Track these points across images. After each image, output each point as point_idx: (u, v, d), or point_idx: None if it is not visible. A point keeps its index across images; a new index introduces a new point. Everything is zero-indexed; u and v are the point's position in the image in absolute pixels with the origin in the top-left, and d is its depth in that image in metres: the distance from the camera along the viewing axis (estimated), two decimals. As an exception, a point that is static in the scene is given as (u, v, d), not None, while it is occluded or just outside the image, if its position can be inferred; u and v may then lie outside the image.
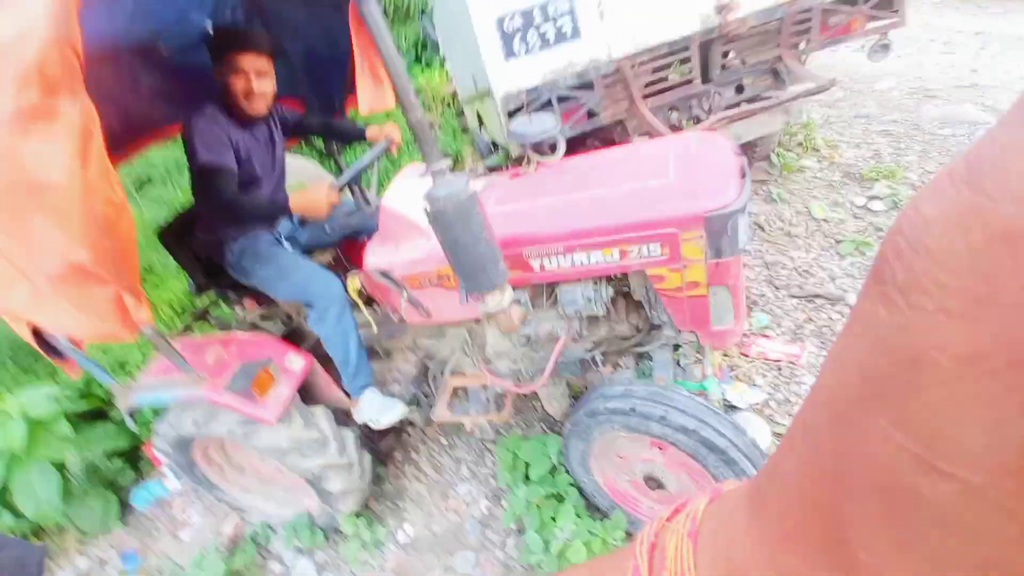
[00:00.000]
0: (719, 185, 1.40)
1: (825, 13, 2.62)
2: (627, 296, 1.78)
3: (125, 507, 2.84)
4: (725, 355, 2.44)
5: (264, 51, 1.78)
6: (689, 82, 2.74)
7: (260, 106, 1.85)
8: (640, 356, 1.91)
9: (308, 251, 2.26)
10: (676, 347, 1.82)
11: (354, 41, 1.63)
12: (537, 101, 2.54)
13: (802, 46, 2.78)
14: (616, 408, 1.49)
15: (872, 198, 3.26)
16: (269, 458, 1.90)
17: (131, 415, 2.04)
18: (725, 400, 2.15)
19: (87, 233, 1.19)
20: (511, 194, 1.77)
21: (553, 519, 1.71)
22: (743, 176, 1.49)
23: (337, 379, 2.03)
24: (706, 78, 2.81)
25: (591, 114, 2.73)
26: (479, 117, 3.75)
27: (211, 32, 1.99)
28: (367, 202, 2.01)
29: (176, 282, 3.87)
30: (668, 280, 1.49)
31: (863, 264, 2.77)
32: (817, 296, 2.65)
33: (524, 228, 1.55)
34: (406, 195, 1.74)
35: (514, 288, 1.63)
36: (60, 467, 2.57)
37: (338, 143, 2.47)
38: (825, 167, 3.79)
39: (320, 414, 1.94)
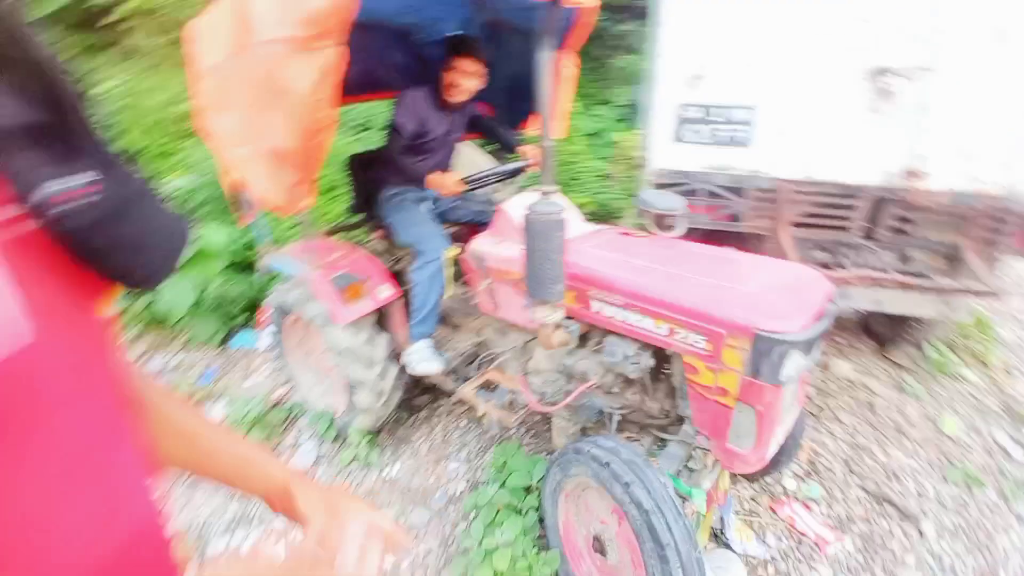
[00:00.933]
0: (787, 313, 1.44)
1: (1028, 224, 2.37)
2: (667, 380, 1.84)
3: (225, 340, 3.51)
4: (754, 499, 2.31)
5: (478, 58, 2.22)
6: (846, 230, 2.65)
7: (456, 98, 2.30)
8: (657, 441, 1.94)
9: (440, 219, 2.67)
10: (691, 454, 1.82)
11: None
12: (685, 186, 2.67)
13: (995, 246, 2.52)
14: (597, 456, 1.58)
15: (1018, 443, 2.79)
16: (330, 352, 2.28)
17: (263, 271, 2.61)
18: (721, 532, 2.06)
19: (298, 132, 1.64)
20: (610, 244, 1.95)
21: (501, 523, 1.82)
22: (818, 319, 1.50)
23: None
24: (869, 234, 2.68)
25: (734, 218, 2.78)
26: (641, 183, 3.95)
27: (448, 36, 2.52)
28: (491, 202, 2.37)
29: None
30: (701, 375, 1.55)
31: (962, 500, 2.40)
32: (890, 503, 2.36)
33: (598, 271, 1.72)
34: (521, 205, 2.02)
35: (569, 318, 1.81)
36: (202, 288, 3.30)
37: (501, 149, 2.87)
38: (986, 389, 3.30)
39: (381, 340, 2.28)
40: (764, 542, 2.09)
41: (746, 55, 2.49)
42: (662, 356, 1.80)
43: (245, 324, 3.66)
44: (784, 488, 2.37)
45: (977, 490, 2.45)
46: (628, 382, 1.88)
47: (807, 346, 1.49)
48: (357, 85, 2.48)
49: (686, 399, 1.68)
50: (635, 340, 1.71)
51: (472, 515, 2.01)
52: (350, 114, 5.46)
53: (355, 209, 2.80)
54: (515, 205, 2.03)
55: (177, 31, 5.70)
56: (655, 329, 1.60)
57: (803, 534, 2.14)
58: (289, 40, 1.47)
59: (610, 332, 1.78)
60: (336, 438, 2.52)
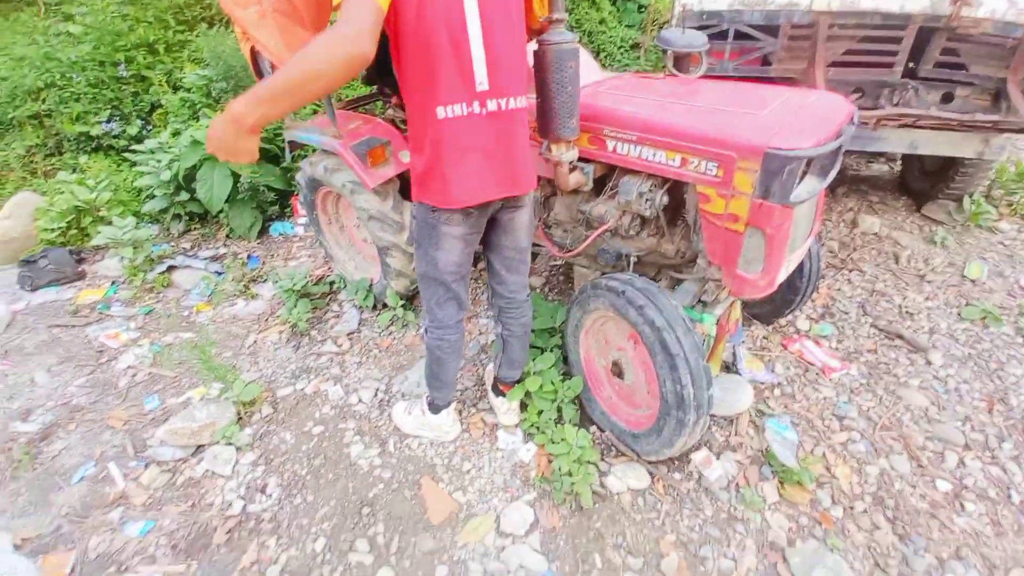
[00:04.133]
0: (799, 131, 1.44)
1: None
2: (683, 222, 1.90)
3: (264, 230, 3.71)
4: (766, 338, 2.45)
5: None
6: (890, 66, 2.48)
7: None
8: (674, 281, 2.05)
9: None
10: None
11: None
12: (715, 28, 2.51)
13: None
14: (612, 287, 1.70)
15: (1045, 283, 2.78)
16: (361, 221, 2.41)
17: (290, 149, 2.68)
18: (733, 365, 2.22)
19: None
20: (625, 85, 1.92)
21: (532, 359, 2.03)
22: (836, 136, 1.49)
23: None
24: (912, 73, 2.50)
25: (765, 62, 2.63)
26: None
27: None
28: None
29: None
30: (713, 203, 1.59)
31: (975, 335, 2.48)
32: (900, 337, 2.46)
33: (612, 109, 1.71)
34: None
35: (586, 160, 1.84)
36: (236, 178, 3.42)
37: None
38: (1020, 239, 3.23)
39: (408, 208, 2.38)
40: (772, 371, 2.26)
41: None
42: (678, 197, 1.84)
43: (280, 214, 3.83)
44: (797, 328, 2.49)
45: (994, 326, 2.52)
46: (644, 223, 1.94)
47: (820, 165, 1.50)
48: None
49: (700, 233, 1.74)
50: (650, 177, 1.74)
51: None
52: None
53: (367, 81, 2.78)
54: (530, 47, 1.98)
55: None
56: (668, 162, 1.62)
57: (811, 363, 2.29)
58: None
59: (626, 172, 1.81)
60: (374, 306, 2.74)
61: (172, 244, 3.67)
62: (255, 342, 2.73)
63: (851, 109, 1.61)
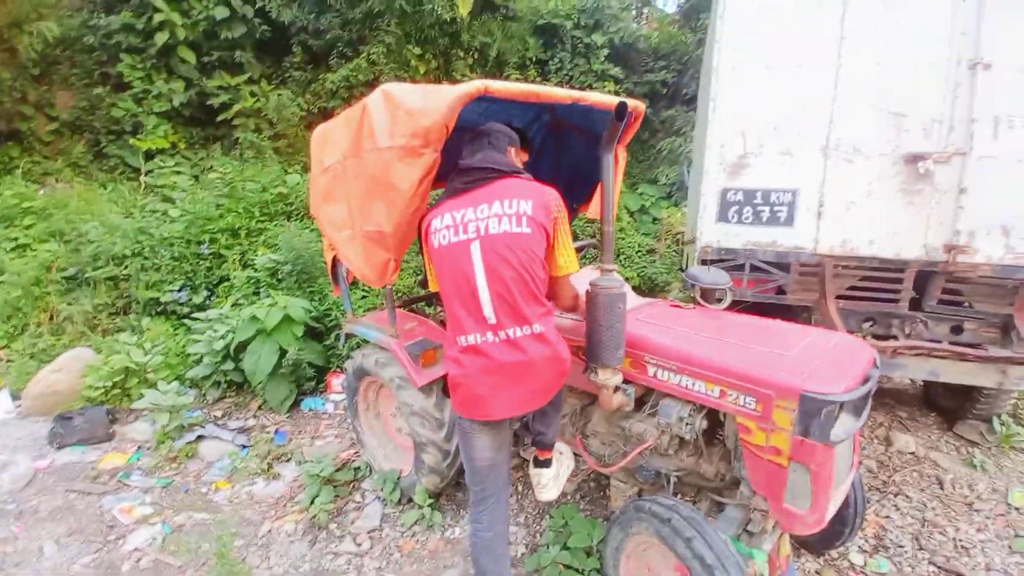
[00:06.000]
0: (830, 375, 1.56)
1: (1082, 295, 2.39)
2: (721, 444, 1.94)
3: (295, 404, 3.79)
4: (818, 573, 2.26)
5: (526, 148, 2.53)
6: (895, 301, 2.73)
7: None
8: (715, 504, 2.00)
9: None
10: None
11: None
12: (731, 262, 2.85)
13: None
14: (658, 512, 1.67)
15: (1104, 526, 2.61)
16: (402, 414, 2.49)
17: (345, 338, 2.91)
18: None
19: (396, 220, 1.95)
20: (661, 315, 2.14)
21: (566, 584, 1.89)
22: (864, 381, 1.61)
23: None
24: (917, 305, 2.74)
25: (780, 291, 2.91)
26: (687, 259, 4.15)
27: None
28: None
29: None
30: (754, 435, 1.65)
31: (1048, 583, 2.27)
32: (962, 578, 2.26)
33: (653, 338, 1.89)
34: (582, 280, 2.25)
35: (627, 382, 1.97)
36: (283, 353, 3.63)
37: None
38: (1061, 465, 3.13)
39: (447, 405, 2.47)
40: (832, 618, 2.04)
41: (785, 146, 2.73)
42: (716, 421, 1.91)
43: (314, 390, 3.96)
44: (851, 563, 2.31)
45: (1056, 569, 2.31)
46: (683, 444, 1.98)
47: (853, 407, 1.59)
48: (441, 175, 2.88)
49: (741, 460, 1.77)
50: (689, 402, 1.84)
51: (535, 572, 2.08)
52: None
53: (423, 285, 3.12)
54: (582, 280, 2.26)
55: (272, 129, 6.60)
56: (707, 392, 1.74)
57: (873, 612, 2.07)
58: (399, 148, 1.82)
59: (665, 395, 1.92)
60: (399, 500, 2.66)
61: (204, 411, 3.74)
62: (269, 531, 2.61)
63: (873, 354, 1.76)
